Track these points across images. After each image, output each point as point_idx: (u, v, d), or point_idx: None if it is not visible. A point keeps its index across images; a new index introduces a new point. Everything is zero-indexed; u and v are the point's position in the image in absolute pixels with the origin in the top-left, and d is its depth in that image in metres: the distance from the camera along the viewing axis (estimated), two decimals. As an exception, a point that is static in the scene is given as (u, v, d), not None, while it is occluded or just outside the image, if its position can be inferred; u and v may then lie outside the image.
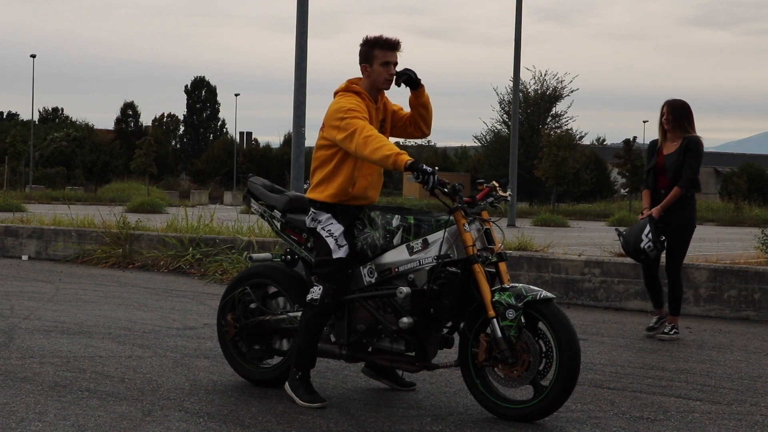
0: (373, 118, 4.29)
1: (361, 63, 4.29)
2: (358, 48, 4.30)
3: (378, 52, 4.24)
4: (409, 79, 4.31)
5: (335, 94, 4.35)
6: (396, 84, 4.30)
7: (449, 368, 4.32)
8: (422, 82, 4.36)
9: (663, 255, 6.47)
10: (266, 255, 4.76)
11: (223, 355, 4.81)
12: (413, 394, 4.50)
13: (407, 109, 4.48)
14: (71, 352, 5.30)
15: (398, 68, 4.29)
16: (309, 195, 4.38)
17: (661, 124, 6.45)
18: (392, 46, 4.25)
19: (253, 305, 4.62)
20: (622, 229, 6.66)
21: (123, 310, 7.08)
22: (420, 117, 4.46)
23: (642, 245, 6.22)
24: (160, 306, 7.43)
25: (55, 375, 4.68)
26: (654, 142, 6.55)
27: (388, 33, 4.25)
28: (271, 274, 4.64)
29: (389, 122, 4.47)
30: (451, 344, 4.29)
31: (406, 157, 3.96)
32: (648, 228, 6.23)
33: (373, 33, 4.30)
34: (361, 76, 4.33)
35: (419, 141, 66.20)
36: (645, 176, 6.53)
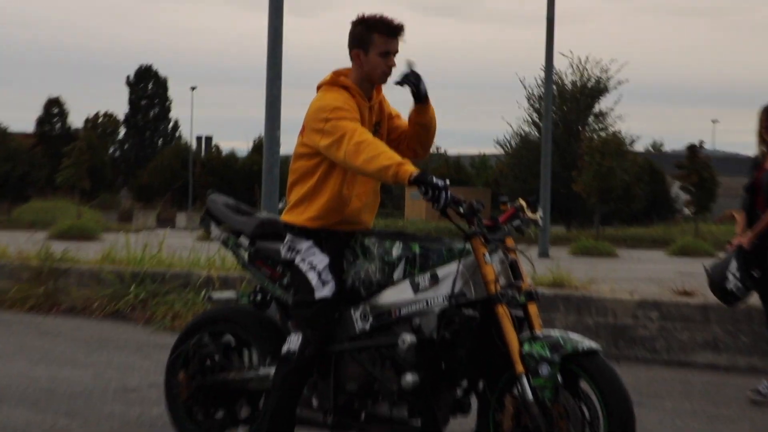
0: (365, 119, 4.30)
1: (352, 48, 4.29)
2: (350, 28, 4.30)
3: (377, 37, 4.25)
4: (415, 89, 4.29)
5: (318, 88, 4.37)
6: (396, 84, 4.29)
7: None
8: (429, 93, 4.32)
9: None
10: (230, 294, 4.76)
11: (171, 424, 4.78)
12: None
13: (406, 117, 4.47)
14: (-23, 420, 5.27)
15: (398, 58, 4.30)
16: (285, 217, 4.39)
17: (759, 133, 6.57)
18: (395, 31, 4.26)
19: (212, 359, 4.61)
20: (708, 263, 6.66)
21: (44, 367, 7.03)
22: (417, 137, 4.46)
23: (728, 285, 6.22)
24: (93, 361, 7.39)
25: (-45, 451, 4.65)
26: (756, 157, 6.72)
27: (388, 11, 4.26)
28: (235, 319, 4.63)
29: (385, 126, 4.48)
30: (468, 409, 4.27)
31: (410, 168, 3.95)
32: (735, 262, 6.24)
33: (370, 10, 4.30)
34: (351, 65, 4.33)
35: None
36: (743, 194, 6.65)
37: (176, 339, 4.78)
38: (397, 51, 4.29)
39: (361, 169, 4.05)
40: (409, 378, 4.08)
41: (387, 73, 4.29)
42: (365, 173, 4.08)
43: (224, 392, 4.61)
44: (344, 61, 4.40)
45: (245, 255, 4.66)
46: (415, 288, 4.14)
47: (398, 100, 4.52)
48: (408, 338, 4.07)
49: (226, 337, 4.69)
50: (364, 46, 4.26)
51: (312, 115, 4.23)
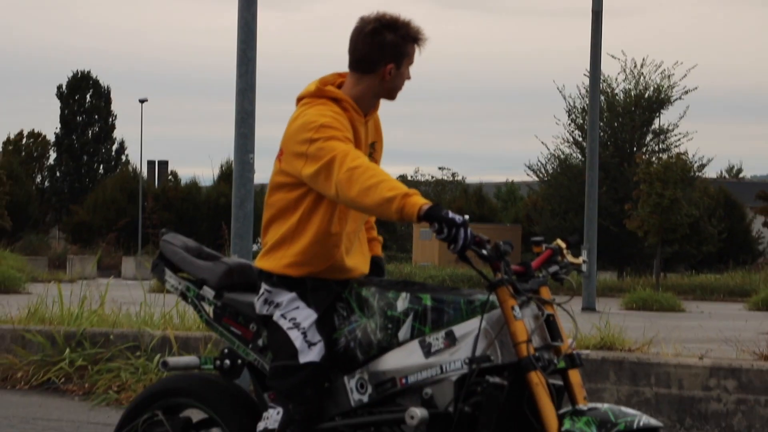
0: (360, 138, 4.35)
1: (380, 62, 4.31)
2: (370, 36, 4.31)
3: (412, 49, 4.34)
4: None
5: (299, 101, 4.41)
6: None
7: None
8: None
9: None
10: (190, 359, 4.78)
11: None
12: None
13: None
14: None
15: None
16: (260, 263, 4.43)
17: None
18: (424, 38, 4.37)
19: None
20: None
21: (-44, 453, 7.05)
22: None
23: None
24: (17, 445, 7.40)
25: None
26: None
27: (401, 3, 4.34)
28: (197, 391, 4.65)
29: (380, 150, 4.55)
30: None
31: (420, 200, 3.98)
32: None
33: (388, 11, 4.34)
34: (348, 75, 4.37)
35: (437, 173, 66.78)
36: None
37: (121, 417, 4.78)
38: None
39: (355, 202, 4.07)
40: (420, 465, 4.09)
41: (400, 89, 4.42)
42: (361, 208, 4.11)
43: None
44: (338, 67, 4.47)
45: (210, 310, 4.68)
46: (426, 350, 4.17)
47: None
48: (418, 413, 4.08)
49: (185, 414, 4.71)
50: (400, 58, 4.33)
51: (292, 135, 4.26)
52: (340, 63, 4.45)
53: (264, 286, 4.40)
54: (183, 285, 4.76)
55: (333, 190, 4.11)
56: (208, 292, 4.67)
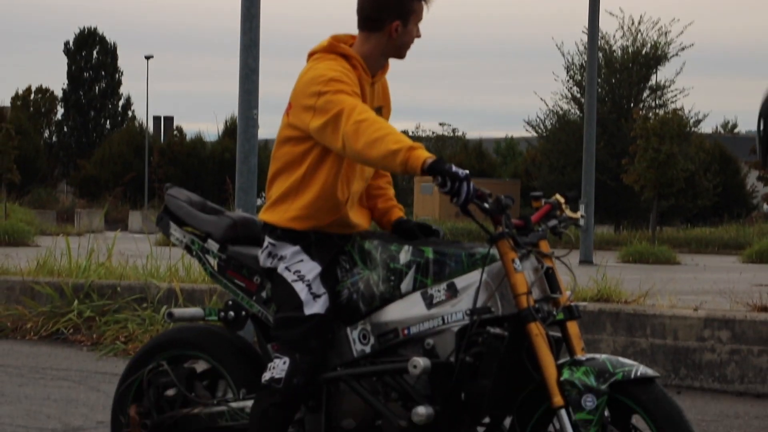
0: (366, 96, 4.32)
1: (386, 19, 4.27)
2: None
3: (418, 5, 4.30)
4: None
5: (310, 56, 4.39)
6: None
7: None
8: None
9: None
10: (195, 311, 4.78)
11: None
12: None
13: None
14: None
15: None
16: (264, 216, 4.42)
17: None
18: None
19: (172, 391, 4.62)
20: None
21: (-32, 401, 7.08)
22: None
23: None
24: (27, 394, 7.43)
25: None
26: None
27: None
28: (201, 343, 4.66)
29: (388, 114, 4.53)
30: (491, 450, 4.32)
31: (424, 153, 3.96)
32: None
33: None
34: (358, 35, 4.34)
35: (438, 129, 66.61)
36: None
37: (126, 366, 4.79)
38: None
39: (361, 155, 4.05)
40: (422, 411, 4.10)
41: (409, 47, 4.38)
42: (367, 160, 4.09)
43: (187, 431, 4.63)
44: (340, 25, 4.45)
45: (214, 263, 4.67)
46: (428, 302, 4.17)
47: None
48: (421, 362, 4.09)
49: (189, 364, 4.72)
50: (405, 15, 4.28)
51: (301, 89, 4.24)
52: (340, 24, 4.41)
53: (268, 239, 4.40)
54: (188, 238, 4.75)
55: (340, 143, 4.09)
56: (213, 245, 4.66)
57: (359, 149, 4.03)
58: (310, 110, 4.18)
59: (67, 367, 8.61)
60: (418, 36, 4.36)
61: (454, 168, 3.94)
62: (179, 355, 4.70)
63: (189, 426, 4.62)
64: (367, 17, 4.32)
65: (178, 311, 4.76)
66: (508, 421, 4.22)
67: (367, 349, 4.27)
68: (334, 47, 4.32)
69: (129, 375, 4.74)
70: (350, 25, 4.40)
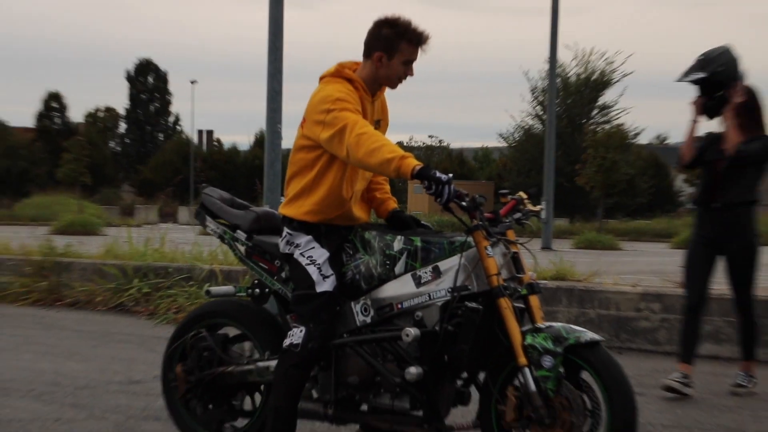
0: (367, 113, 4.29)
1: (374, 49, 4.24)
2: (373, 27, 4.25)
3: (405, 46, 4.22)
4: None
5: (321, 79, 4.36)
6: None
7: (467, 431, 4.34)
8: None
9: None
10: (228, 288, 4.77)
11: (170, 417, 4.79)
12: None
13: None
14: (-17, 414, 5.31)
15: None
16: (283, 210, 4.40)
17: None
18: (423, 41, 4.24)
19: (210, 353, 4.62)
20: None
21: (49, 361, 7.09)
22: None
23: None
24: (97, 354, 7.44)
25: (-38, 443, 4.70)
26: None
27: (392, 2, 4.26)
28: (233, 314, 4.66)
29: (385, 126, 4.50)
30: (468, 400, 4.32)
31: (413, 162, 3.94)
32: None
33: (393, 13, 4.19)
34: (362, 61, 4.31)
35: (427, 140, 66.61)
36: None
37: (173, 333, 4.79)
38: (416, 60, 4.28)
39: (362, 162, 4.02)
40: (413, 370, 4.09)
41: (401, 81, 4.31)
42: (366, 166, 4.06)
43: (222, 386, 4.62)
44: (346, 55, 4.42)
45: (242, 249, 4.65)
46: (417, 281, 4.16)
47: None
48: (412, 332, 4.08)
49: (223, 331, 4.71)
50: (390, 51, 4.22)
51: (313, 107, 4.21)
52: (347, 52, 4.38)
53: (286, 230, 4.39)
54: (220, 229, 4.73)
55: (344, 152, 4.07)
56: (241, 235, 4.64)
57: (360, 157, 4.01)
58: (320, 124, 4.15)
59: (130, 333, 8.62)
60: (410, 74, 4.28)
61: (438, 174, 3.92)
62: (215, 323, 4.70)
63: (224, 381, 4.62)
64: (364, 46, 4.30)
65: (214, 289, 4.76)
66: (482, 377, 4.23)
67: (368, 319, 4.26)
68: (340, 72, 4.30)
69: (175, 340, 4.74)
70: (357, 53, 4.38)
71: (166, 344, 4.81)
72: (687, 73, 6.20)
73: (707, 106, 6.34)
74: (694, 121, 6.44)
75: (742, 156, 6.26)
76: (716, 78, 6.15)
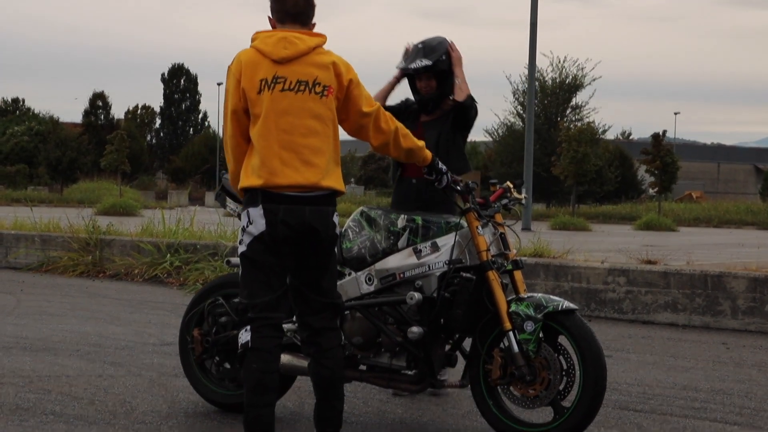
0: None
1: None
2: None
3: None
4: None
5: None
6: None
7: (457, 388, 4.31)
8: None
9: None
10: None
11: (185, 376, 4.71)
12: (417, 417, 4.50)
13: None
14: (34, 371, 5.29)
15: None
16: (330, 183, 4.23)
17: None
18: None
19: (225, 318, 4.51)
20: None
21: (93, 324, 7.07)
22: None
23: None
24: (135, 319, 7.42)
25: (16, 397, 4.68)
26: None
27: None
28: None
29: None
30: (455, 362, 4.30)
31: (429, 153, 3.99)
32: None
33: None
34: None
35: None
36: None
37: (191, 300, 4.70)
38: None
39: (402, 144, 3.84)
40: (416, 330, 4.09)
41: None
42: (403, 148, 3.86)
43: (235, 347, 4.53)
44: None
45: None
46: (418, 254, 4.16)
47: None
48: (416, 296, 4.09)
49: (237, 299, 4.67)
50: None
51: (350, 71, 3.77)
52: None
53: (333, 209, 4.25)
54: (239, 209, 4.68)
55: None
56: None
57: (400, 140, 3.86)
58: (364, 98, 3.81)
59: (163, 301, 8.60)
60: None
61: (439, 164, 4.02)
62: (231, 293, 4.61)
63: (236, 343, 4.56)
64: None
65: (234, 259, 4.67)
66: (468, 344, 4.21)
67: (371, 288, 4.26)
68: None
69: (193, 307, 4.67)
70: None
71: (185, 310, 4.73)
72: (411, 60, 5.32)
73: (432, 96, 5.15)
74: (397, 80, 5.24)
75: (471, 105, 5.39)
76: (439, 67, 5.31)
